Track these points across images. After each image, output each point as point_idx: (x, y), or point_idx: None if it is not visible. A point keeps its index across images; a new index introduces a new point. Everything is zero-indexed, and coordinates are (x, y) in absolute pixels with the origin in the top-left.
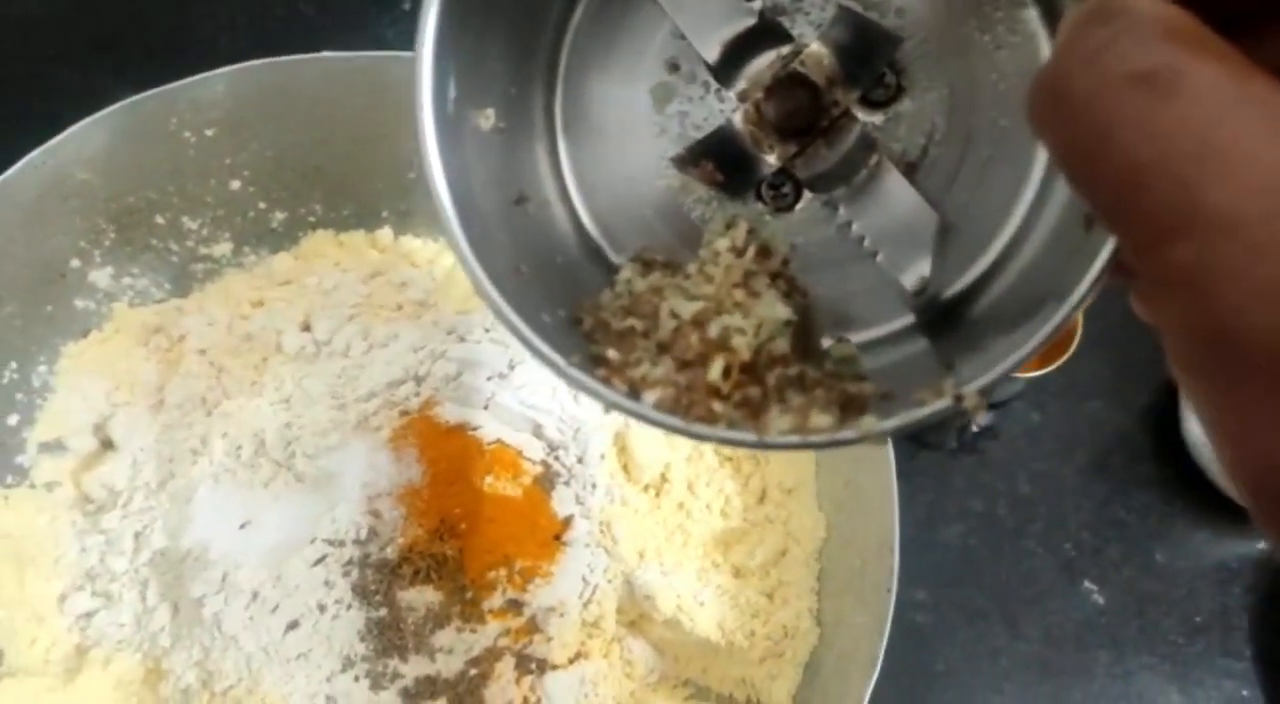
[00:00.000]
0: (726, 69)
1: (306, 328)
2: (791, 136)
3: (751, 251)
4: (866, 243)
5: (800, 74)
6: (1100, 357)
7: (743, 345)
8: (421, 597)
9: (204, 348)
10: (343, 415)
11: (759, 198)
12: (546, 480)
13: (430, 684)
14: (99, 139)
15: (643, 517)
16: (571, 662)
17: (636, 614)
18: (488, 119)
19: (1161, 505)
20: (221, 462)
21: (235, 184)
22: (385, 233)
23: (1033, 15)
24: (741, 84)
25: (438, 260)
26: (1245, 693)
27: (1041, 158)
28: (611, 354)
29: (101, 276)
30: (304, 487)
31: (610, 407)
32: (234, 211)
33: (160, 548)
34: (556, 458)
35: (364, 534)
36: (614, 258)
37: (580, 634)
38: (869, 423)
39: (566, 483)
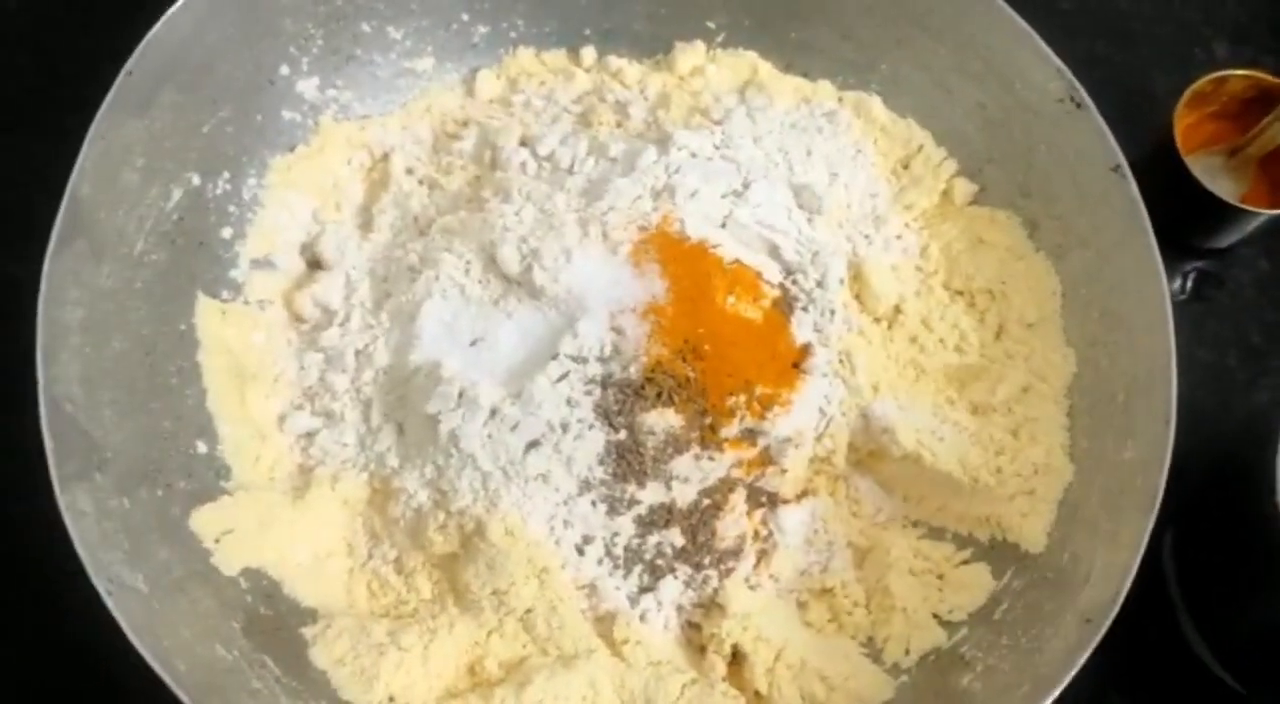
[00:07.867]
0: None
1: (523, 144)
2: None
3: None
4: None
5: None
6: None
7: None
8: (662, 420)
9: (411, 166)
10: (580, 231)
11: None
12: (785, 305)
13: (665, 512)
14: None
15: (876, 349)
16: (799, 498)
17: (866, 452)
18: None
19: None
20: (450, 276)
21: None
22: (589, 52)
23: None
24: None
25: (647, 80)
26: None
27: None
28: None
29: (308, 87)
30: (540, 303)
31: None
32: (437, 23)
33: (384, 366)
34: (794, 282)
35: (608, 351)
36: None
37: (809, 470)
38: None
39: (805, 308)
